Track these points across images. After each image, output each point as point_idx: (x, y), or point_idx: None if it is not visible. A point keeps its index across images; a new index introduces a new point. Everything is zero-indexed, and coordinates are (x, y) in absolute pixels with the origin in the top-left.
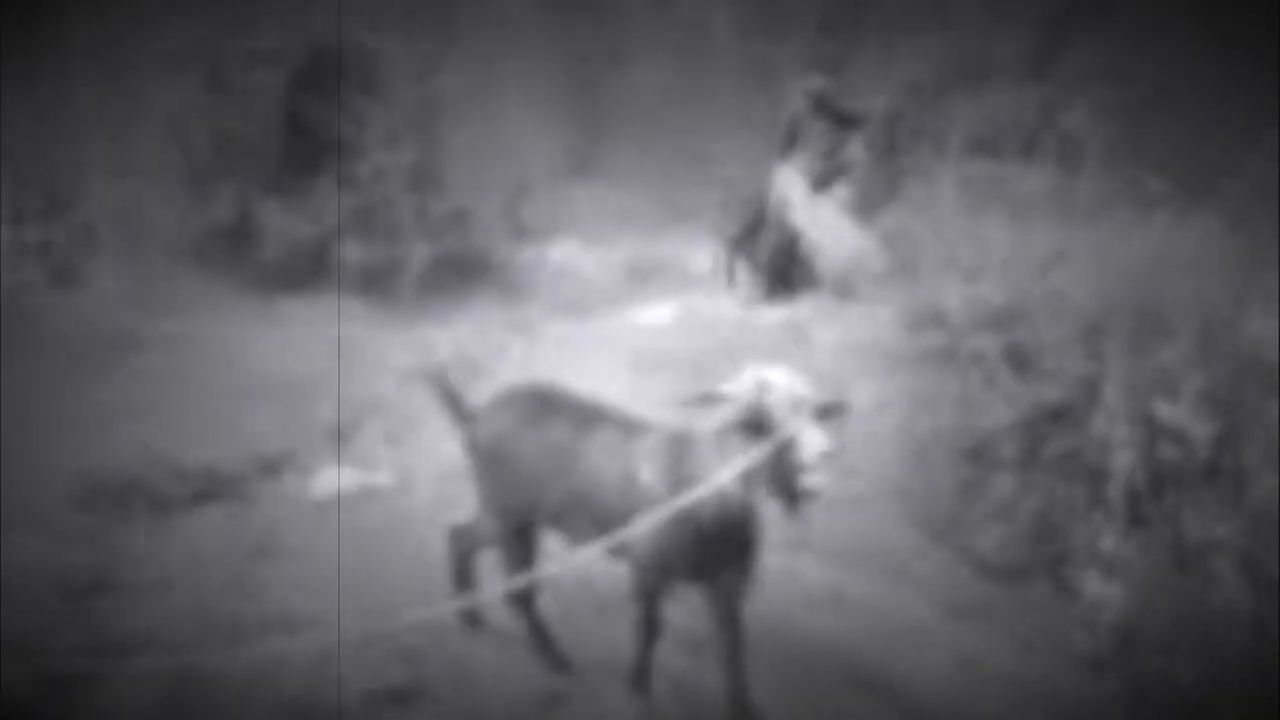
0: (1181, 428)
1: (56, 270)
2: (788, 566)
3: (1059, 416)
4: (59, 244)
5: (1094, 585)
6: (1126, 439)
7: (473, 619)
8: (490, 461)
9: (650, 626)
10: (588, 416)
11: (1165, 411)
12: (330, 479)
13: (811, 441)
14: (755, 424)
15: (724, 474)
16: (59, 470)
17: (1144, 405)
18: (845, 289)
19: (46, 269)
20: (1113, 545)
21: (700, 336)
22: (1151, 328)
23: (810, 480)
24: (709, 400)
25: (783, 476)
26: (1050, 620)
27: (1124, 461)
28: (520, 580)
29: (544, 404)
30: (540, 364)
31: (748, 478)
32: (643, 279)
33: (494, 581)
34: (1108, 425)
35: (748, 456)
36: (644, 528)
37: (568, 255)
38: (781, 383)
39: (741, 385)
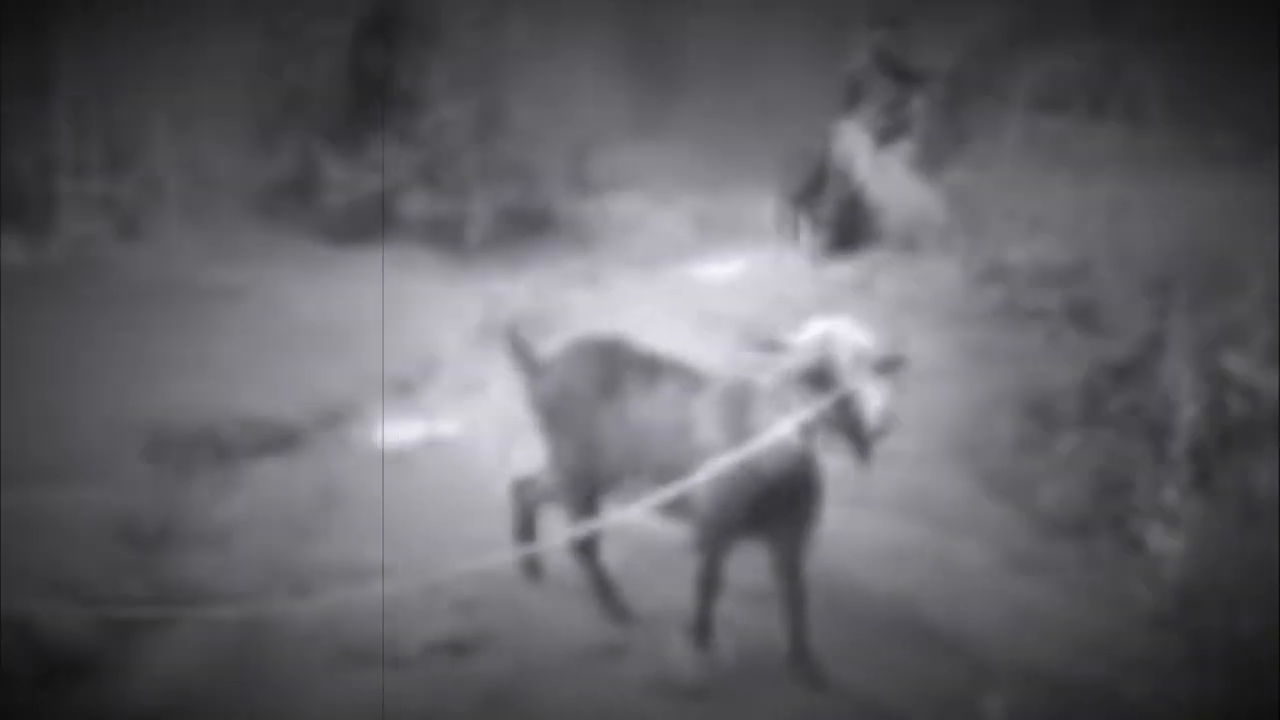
0: (1250, 380)
1: (121, 222)
2: (848, 520)
3: (1123, 372)
4: (123, 196)
5: (1157, 539)
6: (1192, 392)
7: (534, 570)
8: (555, 414)
9: (712, 581)
10: (652, 370)
11: (1234, 363)
12: (395, 430)
13: (873, 398)
14: (818, 376)
15: (783, 426)
16: (125, 421)
17: (1210, 359)
18: (909, 245)
19: (111, 221)
20: (1176, 499)
21: (764, 291)
22: (1218, 282)
23: (875, 431)
24: (773, 348)
25: (848, 428)
26: (1112, 575)
27: (1189, 415)
28: (583, 528)
29: (609, 357)
30: (605, 318)
31: (808, 430)
32: (707, 234)
33: (556, 535)
34: (1173, 379)
35: (808, 409)
36: (703, 478)
37: (632, 210)
38: (845, 335)
39: (806, 335)
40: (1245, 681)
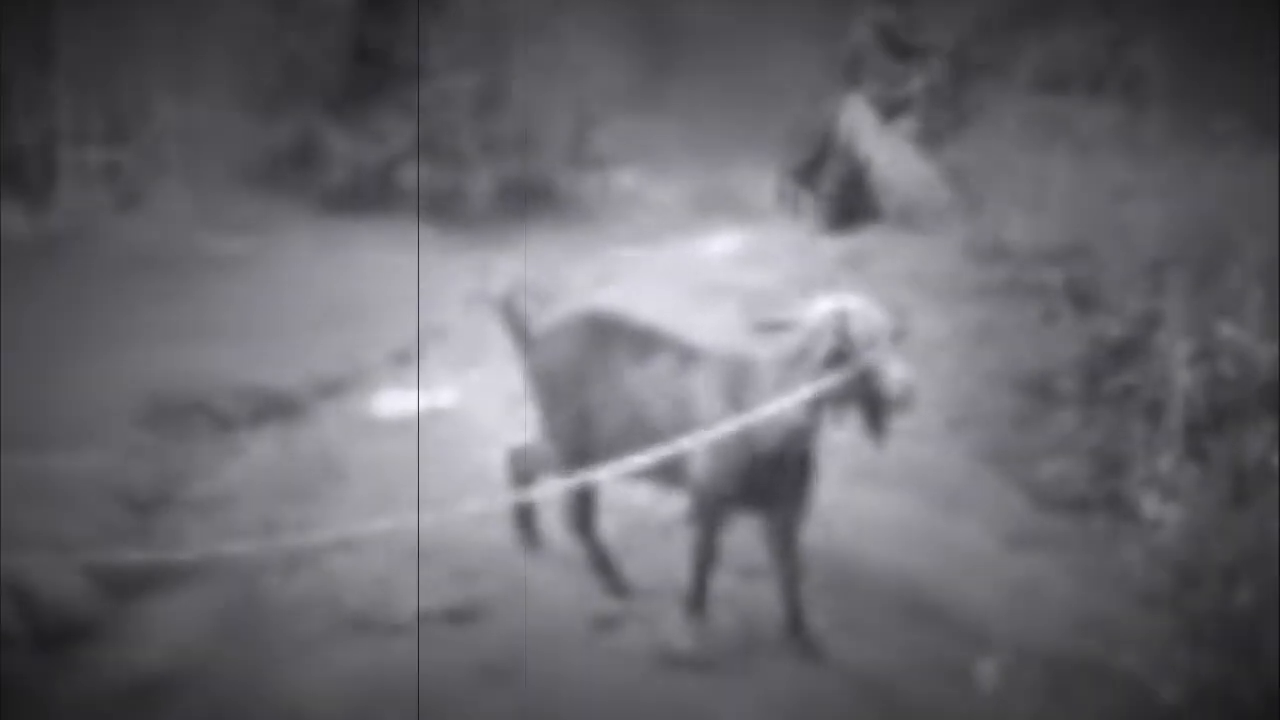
0: (1243, 347)
1: (122, 192)
2: (847, 495)
3: (1121, 351)
4: (124, 166)
5: (1151, 505)
6: (1187, 360)
7: (533, 542)
8: (550, 385)
9: (708, 552)
10: (647, 343)
11: (1227, 330)
12: (392, 400)
13: (894, 372)
14: (836, 354)
15: (790, 399)
16: (124, 388)
17: (1206, 330)
18: (909, 221)
19: (112, 191)
20: (1171, 467)
21: (764, 266)
22: (1216, 261)
23: (898, 404)
24: (781, 326)
25: (868, 403)
26: (1109, 553)
27: (1184, 383)
28: (575, 480)
29: (604, 330)
30: (604, 291)
31: (815, 405)
32: (707, 209)
33: (553, 511)
34: (1167, 348)
35: (820, 383)
36: (698, 443)
37: (633, 184)
38: (859, 311)
39: (815, 312)
40: (1239, 656)
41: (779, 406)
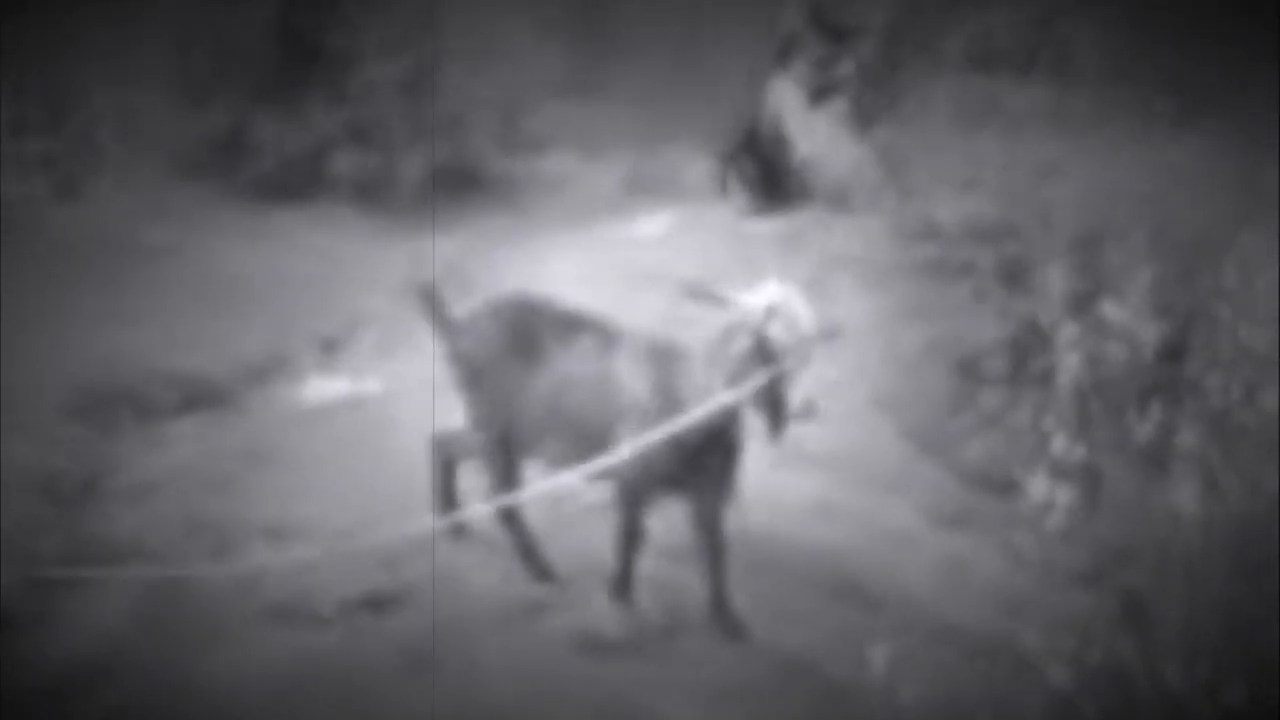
0: (1126, 328)
1: (58, 182)
2: (774, 476)
3: (1046, 331)
4: (60, 156)
5: (1039, 486)
6: (1071, 340)
7: (456, 528)
8: (472, 373)
9: (632, 536)
10: (570, 327)
11: (1112, 312)
12: (319, 388)
13: (798, 392)
14: (757, 349)
15: (725, 396)
16: (49, 378)
17: (1090, 310)
18: (839, 201)
19: (48, 181)
20: (1062, 449)
21: (695, 248)
22: (1102, 241)
23: (796, 414)
24: (713, 300)
25: (771, 404)
26: (1038, 533)
27: (1070, 363)
28: (505, 499)
29: (526, 314)
30: (535, 276)
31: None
32: (638, 192)
33: (477, 491)
34: (1050, 330)
35: (747, 382)
36: (634, 449)
37: (564, 168)
38: (789, 308)
39: (741, 304)
40: (1129, 639)
41: (714, 405)
